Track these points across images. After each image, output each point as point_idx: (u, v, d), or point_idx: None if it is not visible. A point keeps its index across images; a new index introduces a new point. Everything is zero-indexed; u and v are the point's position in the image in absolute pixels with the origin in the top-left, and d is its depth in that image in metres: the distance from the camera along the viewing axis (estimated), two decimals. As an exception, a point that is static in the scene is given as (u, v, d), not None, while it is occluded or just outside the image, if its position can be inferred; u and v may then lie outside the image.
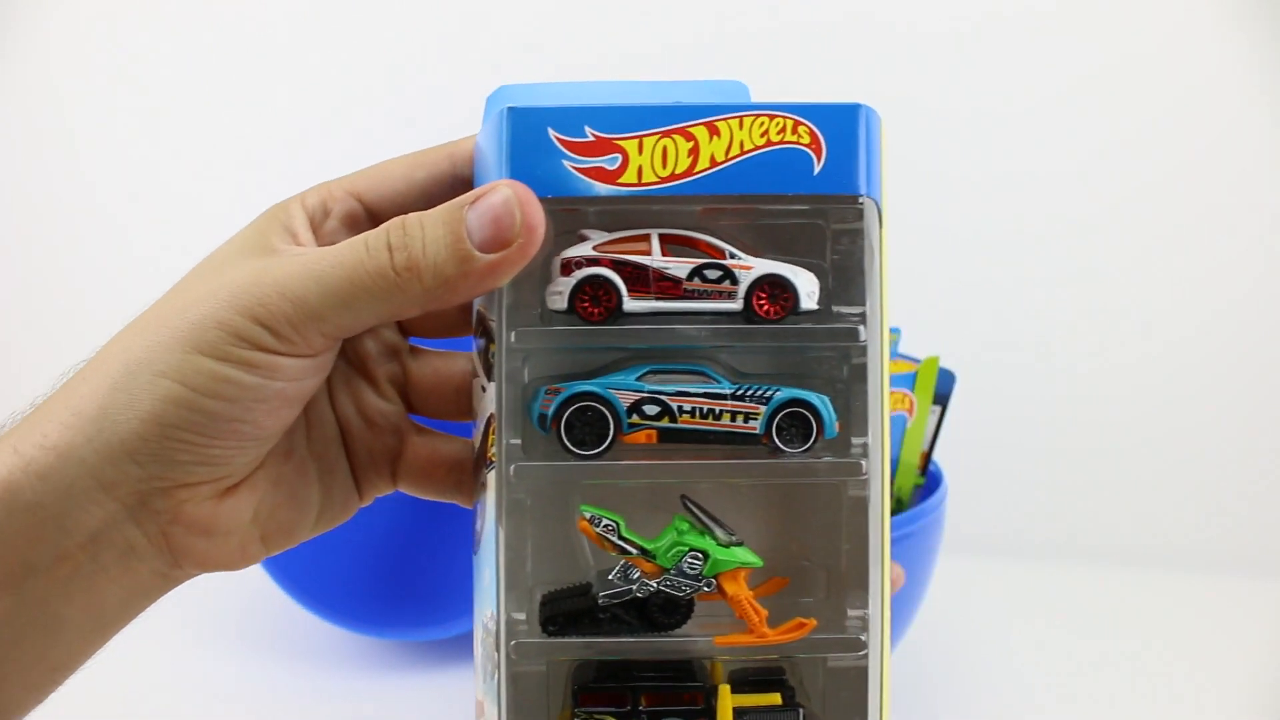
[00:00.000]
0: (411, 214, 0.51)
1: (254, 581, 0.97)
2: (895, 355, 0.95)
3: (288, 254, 0.52)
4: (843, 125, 0.53)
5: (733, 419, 0.53)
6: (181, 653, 0.96)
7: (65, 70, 1.24)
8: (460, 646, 0.98)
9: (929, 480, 0.95)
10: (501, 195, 0.50)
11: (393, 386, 0.59)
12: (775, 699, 0.55)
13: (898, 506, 0.91)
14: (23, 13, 1.19)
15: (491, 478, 0.53)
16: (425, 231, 0.50)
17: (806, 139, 0.53)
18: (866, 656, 0.54)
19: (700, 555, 0.53)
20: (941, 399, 0.94)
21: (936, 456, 0.95)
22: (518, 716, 0.54)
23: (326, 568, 0.96)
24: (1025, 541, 1.14)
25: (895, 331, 0.95)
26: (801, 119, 0.53)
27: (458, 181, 0.56)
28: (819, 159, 0.53)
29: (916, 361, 0.94)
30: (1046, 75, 1.07)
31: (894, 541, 0.79)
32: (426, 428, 0.60)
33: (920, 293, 1.06)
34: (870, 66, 1.10)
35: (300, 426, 0.56)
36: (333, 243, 0.53)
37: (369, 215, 0.56)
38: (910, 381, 0.93)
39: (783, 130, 0.53)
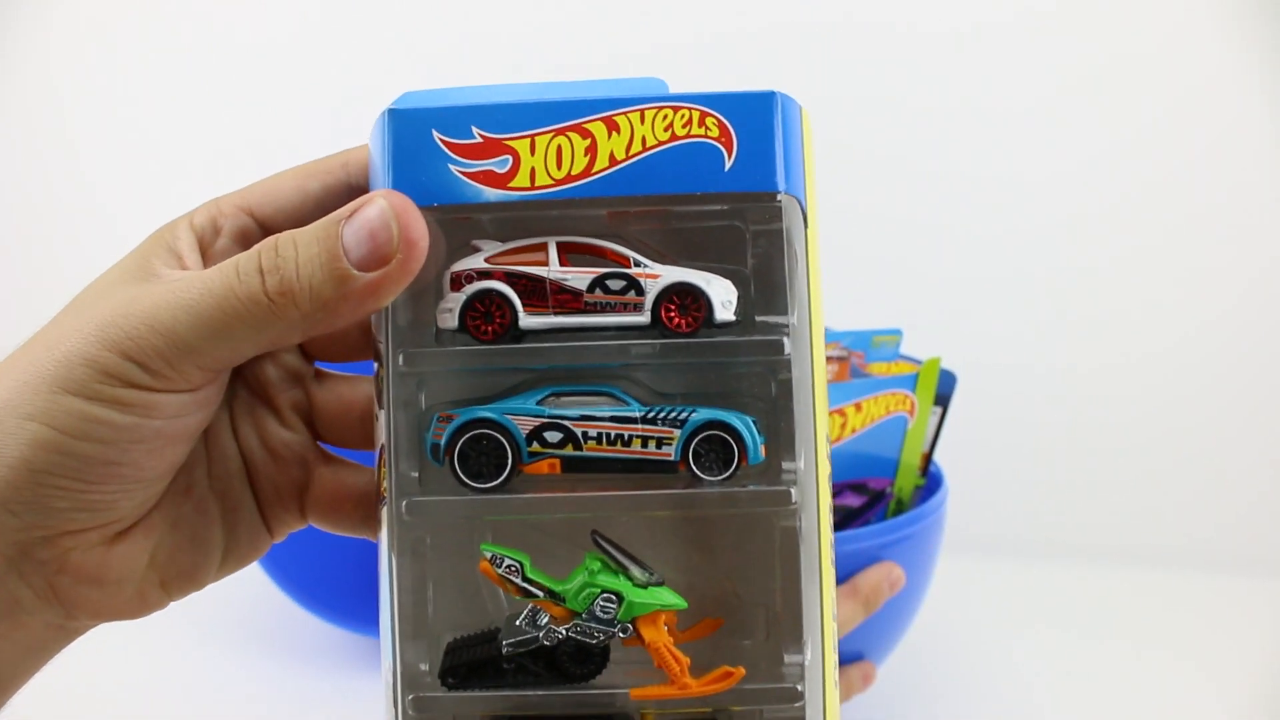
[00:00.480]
0: (285, 233, 0.47)
1: (254, 581, 0.96)
2: (897, 357, 0.93)
3: (163, 280, 0.48)
4: (755, 116, 0.47)
5: (644, 444, 0.48)
6: (182, 653, 0.95)
7: (65, 70, 1.24)
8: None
9: (930, 481, 0.92)
10: (377, 208, 0.45)
11: (297, 415, 0.54)
12: None
13: (898, 507, 0.89)
14: (23, 12, 1.18)
15: (384, 517, 0.49)
16: (299, 252, 0.46)
17: (715, 132, 0.47)
18: (804, 709, 0.48)
19: (614, 597, 0.48)
20: (942, 400, 0.92)
21: (937, 457, 0.93)
22: None
23: (326, 568, 0.95)
24: (1025, 542, 1.11)
25: (897, 333, 0.93)
26: (709, 110, 0.47)
27: (353, 191, 0.51)
28: (730, 153, 0.47)
29: (918, 363, 0.92)
30: (1047, 76, 1.04)
31: (895, 542, 0.75)
32: (335, 457, 0.55)
33: (920, 293, 1.06)
34: (870, 67, 1.07)
35: (200, 461, 0.52)
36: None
37: (262, 230, 0.52)
38: (912, 383, 0.91)
39: (688, 123, 0.47)
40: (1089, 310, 1.07)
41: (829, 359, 0.76)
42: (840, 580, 0.71)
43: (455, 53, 1.16)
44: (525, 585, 0.48)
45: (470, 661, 0.49)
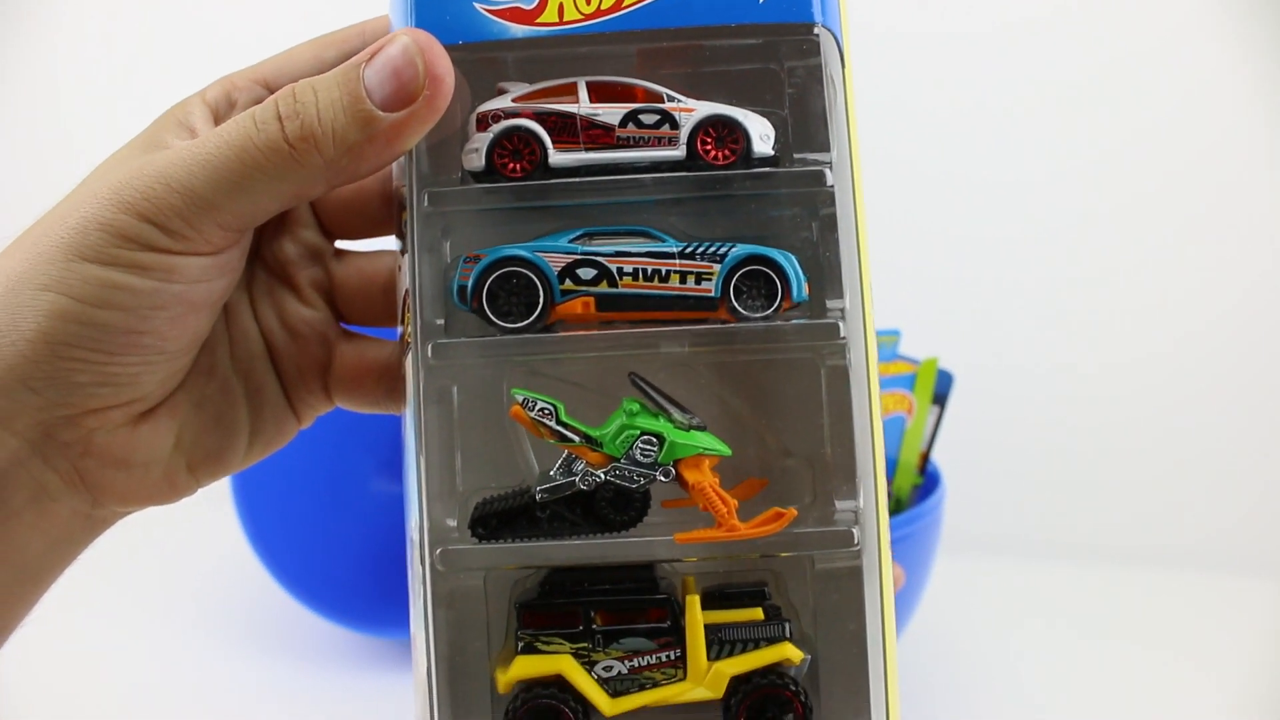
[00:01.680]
0: (302, 80, 0.45)
1: (254, 581, 0.94)
2: (895, 357, 0.93)
3: (176, 146, 0.46)
4: None
5: (683, 280, 0.46)
6: (182, 652, 0.93)
7: (65, 67, 1.23)
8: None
9: (927, 480, 0.91)
10: (400, 45, 0.44)
11: (317, 292, 0.52)
12: (756, 614, 0.46)
13: (896, 507, 0.88)
14: (23, 11, 1.19)
15: (409, 364, 0.46)
16: (319, 96, 0.44)
17: None
18: (860, 554, 0.45)
19: (655, 439, 0.45)
20: (940, 399, 0.91)
21: (934, 456, 0.92)
22: (451, 647, 0.46)
23: (326, 568, 0.92)
24: (1022, 540, 1.09)
25: (895, 333, 0.92)
26: None
27: None
28: None
29: (916, 363, 0.92)
30: (1047, 78, 1.04)
31: (895, 541, 0.73)
32: (356, 334, 0.53)
33: (918, 293, 1.04)
34: (869, 69, 1.07)
35: (221, 342, 0.50)
36: None
37: None
38: (910, 382, 0.92)
39: None
40: (1086, 310, 1.07)
41: None
42: None
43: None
44: (560, 429, 0.45)
45: (501, 511, 0.46)
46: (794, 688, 0.45)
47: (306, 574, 0.90)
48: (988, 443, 1.05)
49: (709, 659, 0.45)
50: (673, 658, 0.45)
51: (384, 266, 0.52)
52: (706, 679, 0.45)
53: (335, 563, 0.93)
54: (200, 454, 0.50)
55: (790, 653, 0.46)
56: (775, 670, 0.46)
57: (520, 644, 0.46)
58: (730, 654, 0.46)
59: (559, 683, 0.45)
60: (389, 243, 0.51)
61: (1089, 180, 1.04)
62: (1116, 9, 1.02)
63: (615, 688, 0.45)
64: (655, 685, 0.45)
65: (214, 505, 1.03)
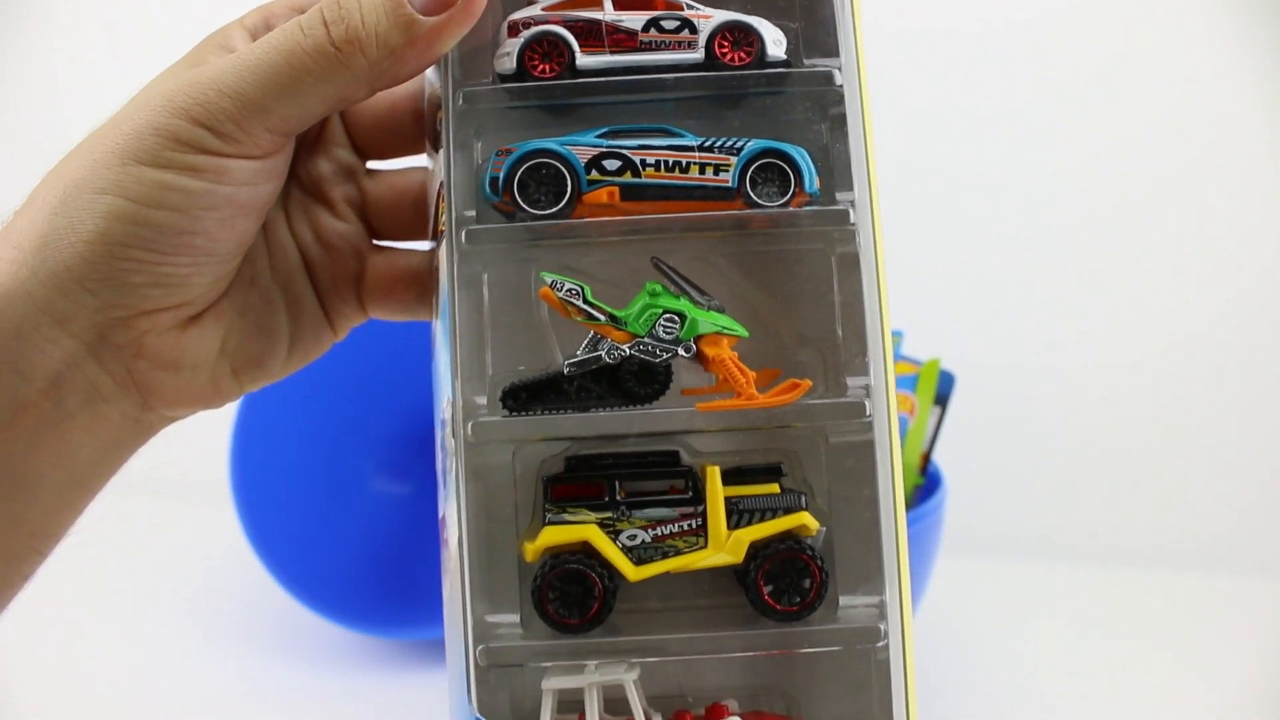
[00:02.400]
0: None
1: (254, 581, 0.94)
2: (898, 357, 0.94)
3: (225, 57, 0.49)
4: None
5: (701, 171, 0.49)
6: (181, 652, 0.93)
7: (65, 66, 1.25)
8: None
9: (929, 481, 0.92)
10: None
11: (350, 208, 0.55)
12: (773, 489, 0.48)
13: None
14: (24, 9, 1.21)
15: (443, 252, 0.49)
16: (362, 2, 0.47)
17: None
18: (871, 426, 0.47)
19: (676, 317, 0.48)
20: (941, 400, 0.92)
21: (935, 457, 0.93)
22: (480, 521, 0.47)
23: (326, 568, 0.93)
24: (1022, 540, 1.10)
25: (898, 334, 0.93)
26: None
27: None
28: None
29: (918, 364, 0.93)
30: (1049, 78, 1.06)
31: None
32: (386, 246, 0.56)
33: (918, 294, 1.05)
34: (872, 70, 1.09)
35: (262, 255, 0.53)
36: None
37: None
38: (912, 383, 0.92)
39: None
40: (1087, 310, 1.07)
41: None
42: None
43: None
44: (586, 308, 0.48)
45: (531, 384, 0.48)
46: (811, 552, 0.47)
47: (306, 574, 0.91)
48: (988, 443, 1.06)
49: (729, 528, 0.47)
50: (694, 526, 0.47)
51: (414, 182, 0.55)
52: (727, 545, 0.47)
53: (335, 563, 0.93)
54: (244, 359, 0.52)
55: (807, 521, 0.47)
56: (793, 536, 0.47)
57: (547, 517, 0.47)
58: (749, 523, 0.47)
59: (585, 549, 0.47)
60: (419, 162, 0.54)
61: (1092, 181, 1.05)
62: (1118, 10, 1.03)
63: (639, 555, 0.47)
64: (677, 553, 0.47)
65: (214, 505, 1.03)
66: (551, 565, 0.47)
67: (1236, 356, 1.04)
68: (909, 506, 0.89)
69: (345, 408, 0.98)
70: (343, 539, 0.95)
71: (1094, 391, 1.08)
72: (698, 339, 0.47)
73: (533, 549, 0.47)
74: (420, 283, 0.53)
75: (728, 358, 0.47)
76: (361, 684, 0.87)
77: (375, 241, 0.55)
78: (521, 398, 0.48)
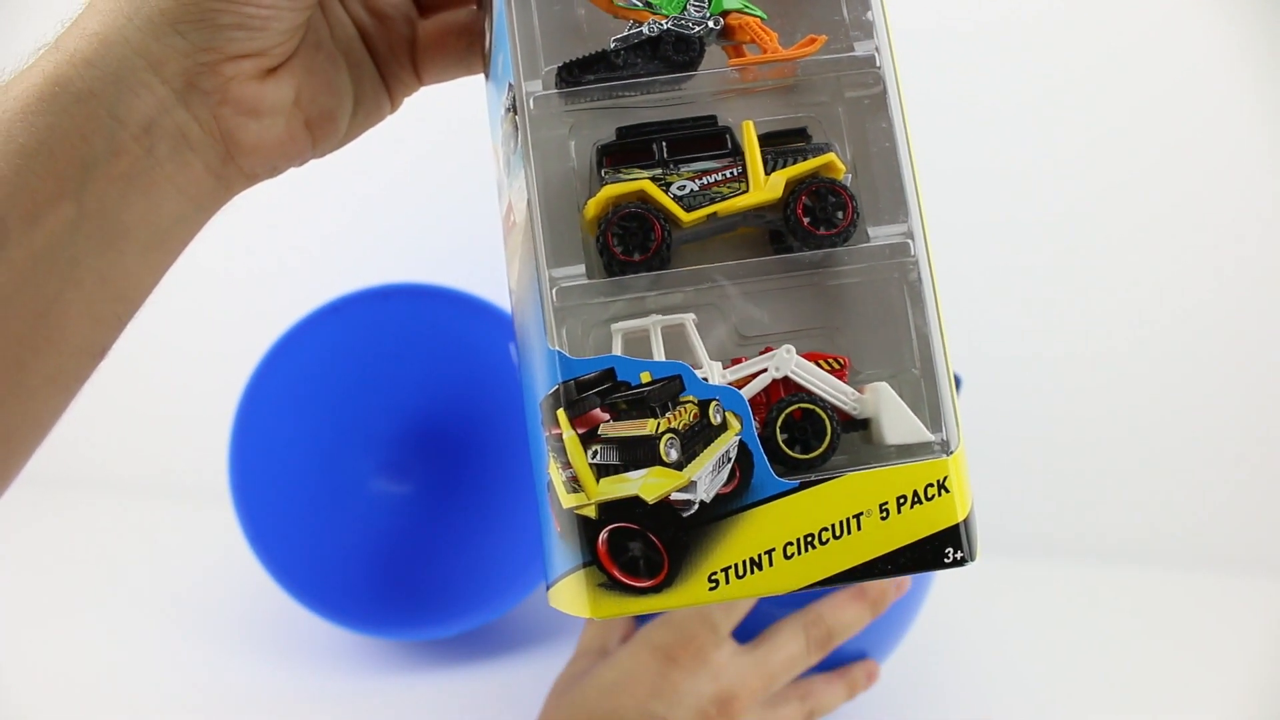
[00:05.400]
0: None
1: (254, 581, 0.94)
2: None
3: None
4: None
5: None
6: (181, 652, 0.92)
7: None
8: (460, 646, 0.94)
9: None
10: None
11: None
12: (802, 141, 0.53)
13: None
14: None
15: None
16: None
17: None
18: (882, 78, 0.52)
19: (702, 1, 0.53)
20: None
21: None
22: (547, 189, 0.51)
23: (326, 568, 0.93)
24: (1025, 541, 1.09)
25: None
26: None
27: None
28: None
29: None
30: (1064, 81, 1.08)
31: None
32: (436, 10, 0.61)
33: None
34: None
35: (322, 27, 0.58)
36: None
37: None
38: None
39: None
40: (1091, 310, 1.08)
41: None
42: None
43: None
44: (622, 3, 0.53)
45: (582, 60, 0.52)
46: (844, 184, 0.51)
47: (306, 574, 0.91)
48: (990, 443, 1.04)
49: (766, 172, 0.51)
50: (736, 174, 0.51)
51: None
52: (766, 186, 0.51)
53: (335, 563, 0.94)
54: (315, 111, 0.57)
55: (835, 161, 0.51)
56: (826, 171, 0.52)
57: (604, 177, 0.51)
58: (784, 165, 0.51)
59: (641, 197, 0.51)
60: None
61: (1095, 183, 1.07)
62: (1119, 6, 1.05)
63: (689, 203, 0.50)
64: (723, 198, 0.51)
65: (214, 505, 1.04)
66: (615, 210, 0.50)
67: (1243, 360, 1.05)
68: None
69: (345, 408, 0.98)
70: (342, 539, 0.96)
71: (1098, 391, 1.09)
72: (724, 13, 0.53)
73: (594, 204, 0.51)
74: (470, 32, 0.59)
75: (752, 21, 0.53)
76: (361, 684, 0.87)
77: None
78: (575, 71, 0.52)
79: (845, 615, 0.68)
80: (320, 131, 0.57)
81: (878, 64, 0.52)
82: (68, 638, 0.94)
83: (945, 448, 0.46)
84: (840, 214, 0.50)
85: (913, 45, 1.09)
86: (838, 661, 0.72)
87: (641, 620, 0.70)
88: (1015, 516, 1.11)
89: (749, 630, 0.66)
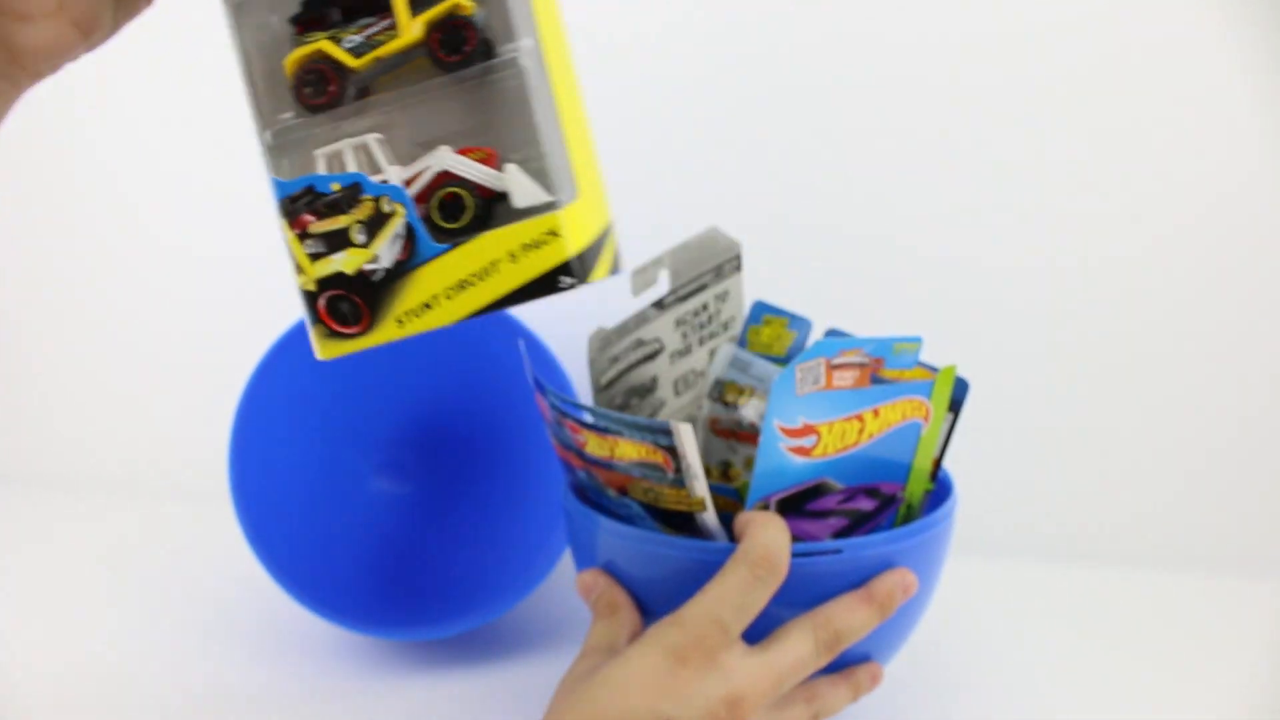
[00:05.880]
0: None
1: (254, 581, 0.94)
2: (915, 364, 0.94)
3: None
4: None
5: None
6: (181, 652, 0.92)
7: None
8: (460, 646, 0.93)
9: (939, 487, 0.92)
10: None
11: None
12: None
13: (908, 512, 0.88)
14: None
15: None
16: None
17: None
18: None
19: None
20: (955, 406, 0.92)
21: (945, 461, 0.92)
22: (261, 54, 0.61)
23: (326, 568, 0.93)
24: (1027, 542, 1.09)
25: (917, 341, 0.93)
26: None
27: None
28: None
29: (934, 370, 0.93)
30: (1080, 89, 1.06)
31: (906, 550, 0.76)
32: None
33: (922, 296, 1.09)
34: (872, 81, 1.09)
35: None
36: None
37: None
38: (928, 390, 0.92)
39: None
40: (1092, 310, 1.08)
41: (852, 365, 0.77)
42: (855, 586, 0.70)
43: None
44: None
45: None
46: (469, 19, 0.59)
47: (306, 574, 0.91)
48: (993, 444, 1.08)
49: (410, 17, 0.59)
50: (390, 25, 0.60)
51: None
52: (412, 29, 0.59)
53: (335, 563, 0.94)
54: (79, 11, 0.61)
55: (464, 1, 0.59)
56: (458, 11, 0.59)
57: (294, 42, 0.61)
58: (424, 10, 0.59)
59: (320, 54, 0.60)
60: None
61: (1100, 185, 1.06)
62: (1131, 9, 1.04)
63: (358, 52, 0.60)
64: (382, 44, 0.60)
65: (213, 504, 1.03)
66: (298, 69, 0.60)
67: (1244, 360, 1.05)
68: (919, 513, 0.88)
69: (345, 407, 0.98)
70: (342, 539, 0.96)
71: (1102, 392, 1.08)
72: None
73: (289, 63, 0.60)
74: None
75: None
76: (361, 684, 0.86)
77: None
78: None
79: (854, 618, 0.68)
80: (87, 28, 0.62)
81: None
82: (67, 637, 0.94)
83: (556, 206, 0.58)
84: (465, 45, 0.59)
85: (900, 45, 1.10)
86: (842, 664, 0.72)
87: (649, 621, 0.69)
88: (1019, 517, 1.10)
89: (756, 632, 0.66)
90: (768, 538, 0.65)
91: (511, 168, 0.59)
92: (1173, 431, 1.07)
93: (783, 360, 0.87)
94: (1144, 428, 1.08)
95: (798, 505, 0.71)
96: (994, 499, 1.09)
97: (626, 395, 0.81)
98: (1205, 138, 1.03)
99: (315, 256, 0.59)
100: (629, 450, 0.67)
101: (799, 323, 0.87)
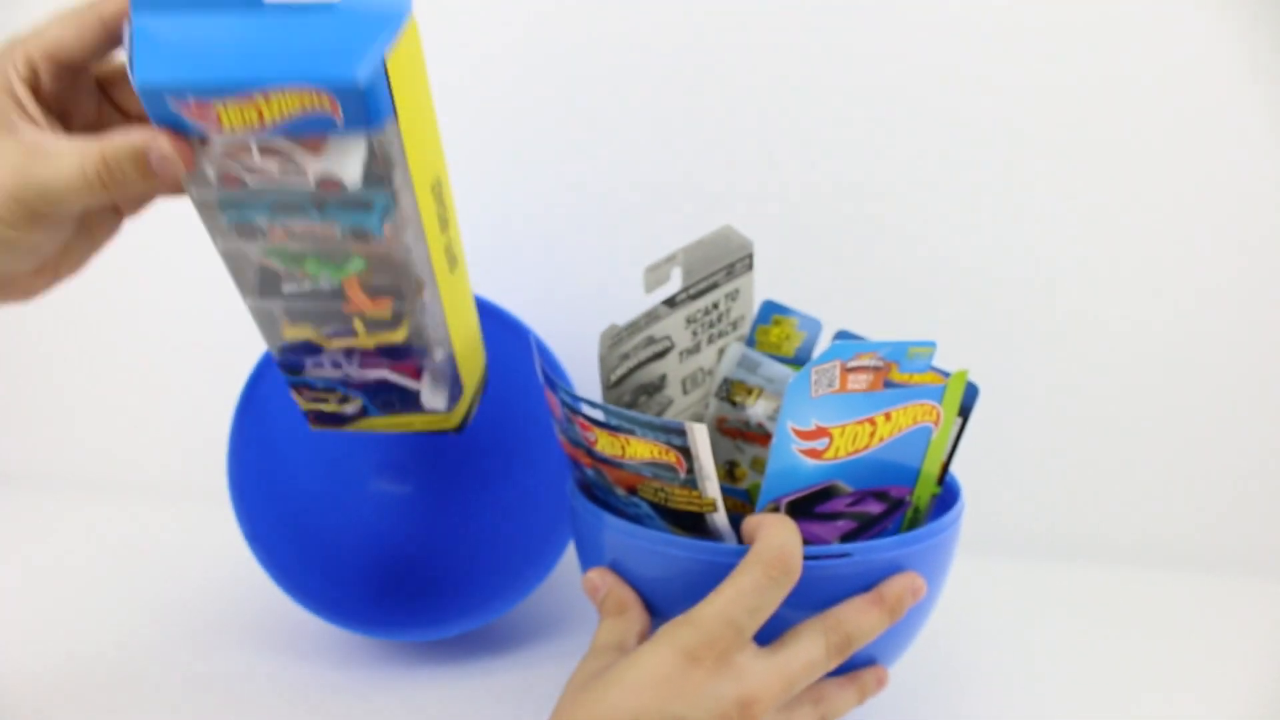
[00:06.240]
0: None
1: (253, 581, 0.95)
2: (927, 368, 0.93)
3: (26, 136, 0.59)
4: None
5: None
6: (180, 652, 0.91)
7: None
8: (460, 646, 0.93)
9: (946, 491, 0.92)
10: None
11: None
12: None
13: (915, 515, 0.88)
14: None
15: None
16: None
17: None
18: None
19: None
20: (964, 411, 0.92)
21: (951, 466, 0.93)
22: None
23: (326, 568, 0.93)
24: (1031, 544, 1.09)
25: (931, 345, 0.93)
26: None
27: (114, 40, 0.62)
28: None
29: (945, 374, 0.93)
30: (1069, 84, 1.06)
31: (913, 554, 0.75)
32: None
33: (925, 298, 1.09)
34: (883, 83, 1.09)
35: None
36: (55, 103, 0.62)
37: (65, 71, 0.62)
38: (939, 394, 0.92)
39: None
40: (1094, 311, 1.08)
41: (866, 369, 0.77)
42: (864, 589, 0.70)
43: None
44: None
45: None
46: None
47: (306, 574, 0.90)
48: (997, 445, 1.08)
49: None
50: None
51: None
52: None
53: (335, 563, 0.93)
54: (56, 268, 0.67)
55: None
56: None
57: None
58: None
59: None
60: None
61: (1103, 187, 1.06)
62: (1139, 13, 1.03)
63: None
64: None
65: (213, 505, 1.03)
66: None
67: (1244, 360, 1.05)
68: (925, 517, 0.89)
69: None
70: (342, 539, 0.95)
71: (1106, 393, 1.08)
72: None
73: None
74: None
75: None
76: (361, 684, 0.86)
77: None
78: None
79: (865, 621, 0.68)
80: (64, 272, 0.67)
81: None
82: (67, 637, 0.93)
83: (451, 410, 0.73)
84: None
85: (912, 46, 1.10)
86: (848, 667, 0.71)
87: (656, 621, 0.69)
88: (1022, 519, 1.10)
89: (764, 634, 0.66)
90: (781, 540, 0.64)
91: (426, 378, 0.71)
92: (1178, 436, 1.07)
93: (791, 360, 0.86)
94: (1148, 432, 1.08)
95: (807, 508, 0.70)
96: (997, 500, 1.09)
97: (635, 393, 0.81)
98: (1217, 142, 1.02)
99: (308, 401, 0.74)
100: (640, 449, 0.66)
101: (808, 323, 0.86)
